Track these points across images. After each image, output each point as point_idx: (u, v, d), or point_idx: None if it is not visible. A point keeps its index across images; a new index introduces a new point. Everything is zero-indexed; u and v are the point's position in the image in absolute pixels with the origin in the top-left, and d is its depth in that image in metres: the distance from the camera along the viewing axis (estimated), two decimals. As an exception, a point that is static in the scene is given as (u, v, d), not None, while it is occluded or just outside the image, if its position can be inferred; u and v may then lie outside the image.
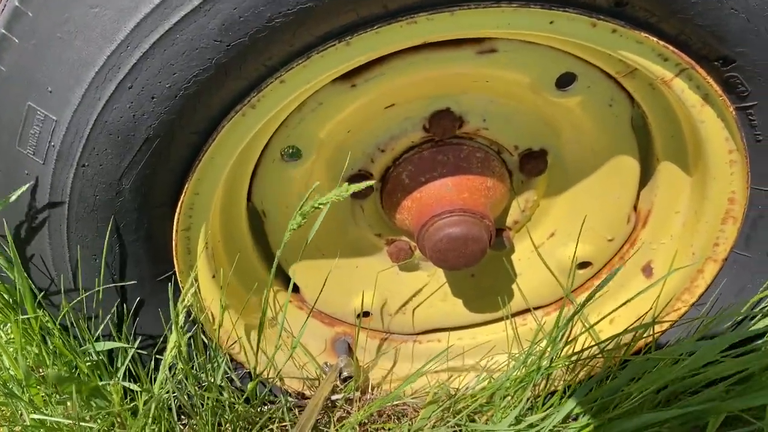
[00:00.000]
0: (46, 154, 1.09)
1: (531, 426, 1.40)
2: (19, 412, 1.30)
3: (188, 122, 1.09)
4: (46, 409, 1.35)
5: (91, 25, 0.98)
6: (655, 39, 1.08)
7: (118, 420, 1.36)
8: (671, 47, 1.09)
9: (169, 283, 1.30)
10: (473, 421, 1.55)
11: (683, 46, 1.10)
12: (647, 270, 1.55)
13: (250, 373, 1.50)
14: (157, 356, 1.39)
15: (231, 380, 1.49)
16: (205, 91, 1.05)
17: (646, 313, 1.51)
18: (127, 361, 1.33)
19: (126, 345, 1.32)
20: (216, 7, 0.97)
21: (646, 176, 1.48)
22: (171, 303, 1.28)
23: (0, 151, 1.12)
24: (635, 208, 1.53)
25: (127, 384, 1.34)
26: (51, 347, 1.36)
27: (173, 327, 1.26)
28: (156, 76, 1.02)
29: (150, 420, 1.27)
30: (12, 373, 1.35)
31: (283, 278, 1.57)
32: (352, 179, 1.42)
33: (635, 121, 1.38)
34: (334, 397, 1.53)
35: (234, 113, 1.10)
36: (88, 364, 1.35)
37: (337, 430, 1.45)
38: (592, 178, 1.47)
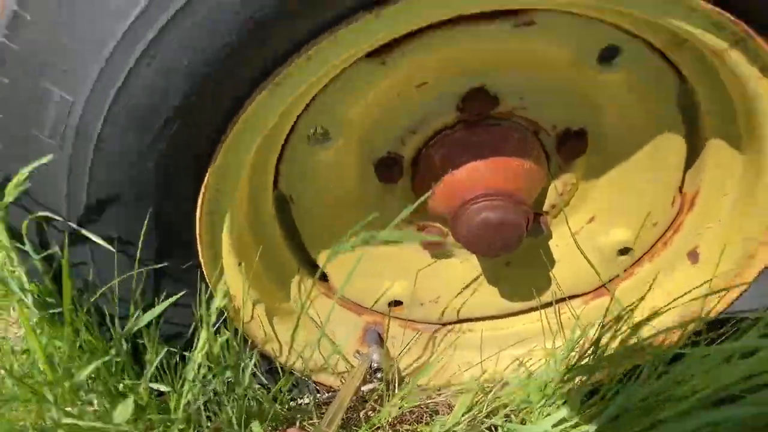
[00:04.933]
0: (64, 137, 1.04)
1: (574, 426, 1.33)
2: (49, 412, 1.26)
3: (212, 100, 1.03)
4: (74, 409, 1.31)
5: (106, -2, 0.93)
6: (709, 6, 1.00)
7: (148, 421, 1.32)
8: (728, 14, 1.01)
9: (196, 273, 1.26)
10: (508, 417, 1.48)
11: (741, 13, 1.01)
12: (693, 255, 1.47)
13: (276, 366, 1.46)
14: (183, 352, 1.35)
15: (255, 375, 1.44)
16: (228, 68, 1.00)
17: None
18: (155, 363, 1.28)
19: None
20: (239, -24, 0.91)
21: (693, 156, 1.39)
22: (198, 297, 1.24)
23: (15, 135, 1.07)
24: (681, 190, 1.44)
25: (156, 386, 1.30)
26: (81, 342, 1.31)
27: (203, 323, 1.22)
28: (176, 52, 0.96)
29: (180, 420, 1.23)
30: (41, 368, 1.31)
31: (311, 265, 1.52)
32: (382, 162, 1.36)
33: (682, 96, 1.30)
34: (365, 388, 1.48)
35: (258, 91, 1.04)
36: (117, 360, 1.30)
37: (366, 429, 1.39)
38: (634, 159, 1.38)
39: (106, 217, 1.15)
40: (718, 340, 1.37)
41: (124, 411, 1.10)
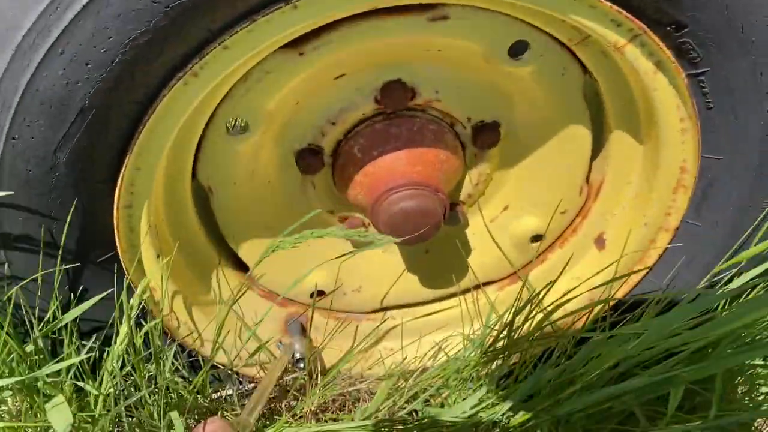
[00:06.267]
0: (-28, 127, 1.02)
1: (490, 407, 1.38)
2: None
3: (126, 91, 1.03)
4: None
5: (16, -17, 0.92)
6: (608, 3, 1.07)
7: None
8: (624, 12, 1.08)
9: (112, 266, 1.24)
10: (427, 401, 1.52)
11: (636, 11, 1.09)
12: (600, 242, 1.55)
13: (198, 359, 1.45)
14: (103, 347, 1.33)
15: (177, 369, 1.43)
16: (143, 57, 0.99)
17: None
18: (77, 360, 1.25)
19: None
20: (153, -36, 0.91)
21: (598, 147, 1.47)
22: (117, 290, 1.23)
23: None
24: (587, 179, 1.52)
25: (76, 382, 1.28)
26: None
27: (124, 317, 1.21)
28: (90, 41, 0.95)
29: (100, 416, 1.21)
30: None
31: (231, 257, 1.52)
32: (302, 154, 1.38)
33: (587, 90, 1.37)
34: (287, 377, 1.49)
35: (175, 81, 1.04)
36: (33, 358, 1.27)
37: (288, 419, 1.40)
38: (544, 150, 1.45)
39: (18, 211, 1.13)
40: (623, 321, 1.45)
41: (62, 418, 1.09)
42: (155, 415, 1.30)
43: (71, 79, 0.98)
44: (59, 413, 1.12)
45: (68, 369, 1.28)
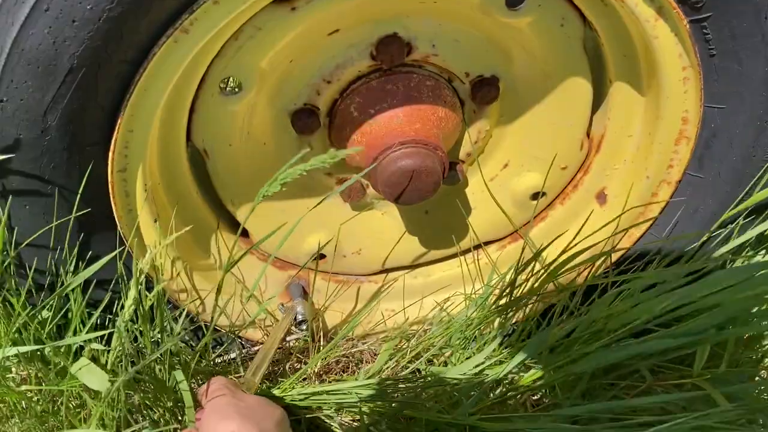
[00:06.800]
0: (-43, 90, 1.00)
1: (494, 365, 1.38)
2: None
3: (115, 49, 1.00)
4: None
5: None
6: (607, -53, 1.04)
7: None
8: (624, -44, 1.05)
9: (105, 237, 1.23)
10: (430, 361, 1.52)
11: (637, -46, 1.06)
12: (601, 197, 1.54)
13: (200, 324, 1.45)
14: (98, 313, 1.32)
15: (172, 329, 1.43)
16: (131, 13, 0.96)
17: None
18: (91, 322, 1.25)
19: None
20: None
21: (598, 100, 1.45)
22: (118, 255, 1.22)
23: None
24: (588, 133, 1.50)
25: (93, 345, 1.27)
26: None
27: (132, 281, 1.19)
28: (76, -5, 0.93)
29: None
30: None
31: (230, 220, 1.51)
32: (298, 114, 1.36)
33: (587, 41, 1.34)
34: (290, 338, 1.49)
35: (165, 38, 1.02)
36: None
37: (292, 381, 1.40)
38: (544, 104, 1.43)
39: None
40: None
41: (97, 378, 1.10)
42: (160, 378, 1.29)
43: (58, 37, 0.96)
44: (92, 374, 1.14)
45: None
